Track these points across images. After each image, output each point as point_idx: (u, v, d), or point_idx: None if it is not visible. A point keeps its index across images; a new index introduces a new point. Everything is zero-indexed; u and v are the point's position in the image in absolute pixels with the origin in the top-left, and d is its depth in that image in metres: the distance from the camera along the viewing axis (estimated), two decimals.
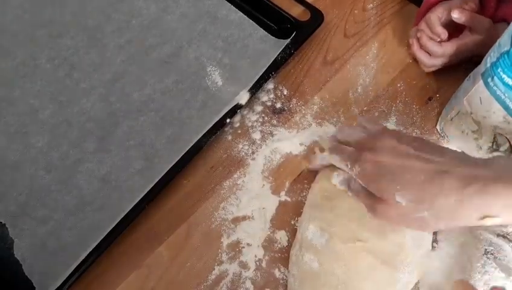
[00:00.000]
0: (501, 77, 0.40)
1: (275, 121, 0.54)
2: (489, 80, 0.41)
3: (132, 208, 0.47)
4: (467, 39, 0.50)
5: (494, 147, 0.46)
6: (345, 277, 0.41)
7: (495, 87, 0.41)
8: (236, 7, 0.59)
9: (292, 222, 0.48)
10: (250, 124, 0.54)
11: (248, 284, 0.46)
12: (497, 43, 0.41)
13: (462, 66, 0.54)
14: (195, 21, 0.59)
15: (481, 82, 0.42)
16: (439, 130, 0.52)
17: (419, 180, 0.37)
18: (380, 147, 0.40)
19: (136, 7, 0.60)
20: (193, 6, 0.60)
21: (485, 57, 0.43)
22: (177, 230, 0.49)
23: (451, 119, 0.49)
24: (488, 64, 0.41)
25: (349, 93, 0.55)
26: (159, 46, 0.57)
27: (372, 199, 0.39)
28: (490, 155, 0.47)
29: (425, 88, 0.55)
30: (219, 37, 0.58)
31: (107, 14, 0.60)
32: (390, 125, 0.53)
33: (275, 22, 0.59)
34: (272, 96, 0.55)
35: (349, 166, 0.41)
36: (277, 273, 0.46)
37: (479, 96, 0.43)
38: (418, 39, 0.53)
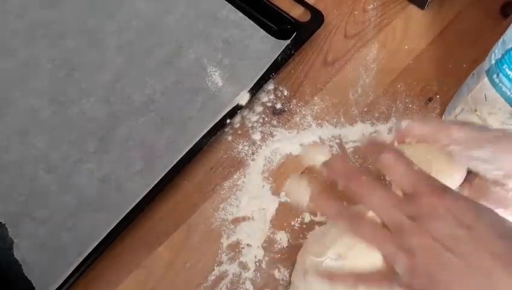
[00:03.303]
0: (507, 73, 0.40)
1: (275, 122, 0.54)
2: (494, 76, 0.41)
3: (132, 208, 0.47)
4: None
5: None
6: None
7: (500, 84, 0.41)
8: (237, 8, 0.59)
9: (292, 223, 0.48)
10: (250, 124, 0.54)
11: (248, 284, 0.46)
12: (500, 40, 0.41)
13: (463, 67, 0.54)
14: (195, 22, 0.59)
15: (486, 79, 0.42)
16: None
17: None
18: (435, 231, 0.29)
19: (137, 8, 0.60)
20: (193, 6, 0.60)
21: (488, 54, 0.43)
22: (177, 230, 0.49)
23: (455, 117, 0.49)
24: (493, 61, 0.41)
25: (349, 94, 0.55)
26: (159, 47, 0.57)
27: None
28: None
29: (425, 89, 0.55)
30: (219, 37, 0.58)
31: (107, 14, 0.60)
32: (391, 126, 0.53)
33: (275, 23, 0.59)
34: (272, 97, 0.55)
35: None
36: (277, 274, 0.46)
37: (484, 93, 0.43)
38: None
